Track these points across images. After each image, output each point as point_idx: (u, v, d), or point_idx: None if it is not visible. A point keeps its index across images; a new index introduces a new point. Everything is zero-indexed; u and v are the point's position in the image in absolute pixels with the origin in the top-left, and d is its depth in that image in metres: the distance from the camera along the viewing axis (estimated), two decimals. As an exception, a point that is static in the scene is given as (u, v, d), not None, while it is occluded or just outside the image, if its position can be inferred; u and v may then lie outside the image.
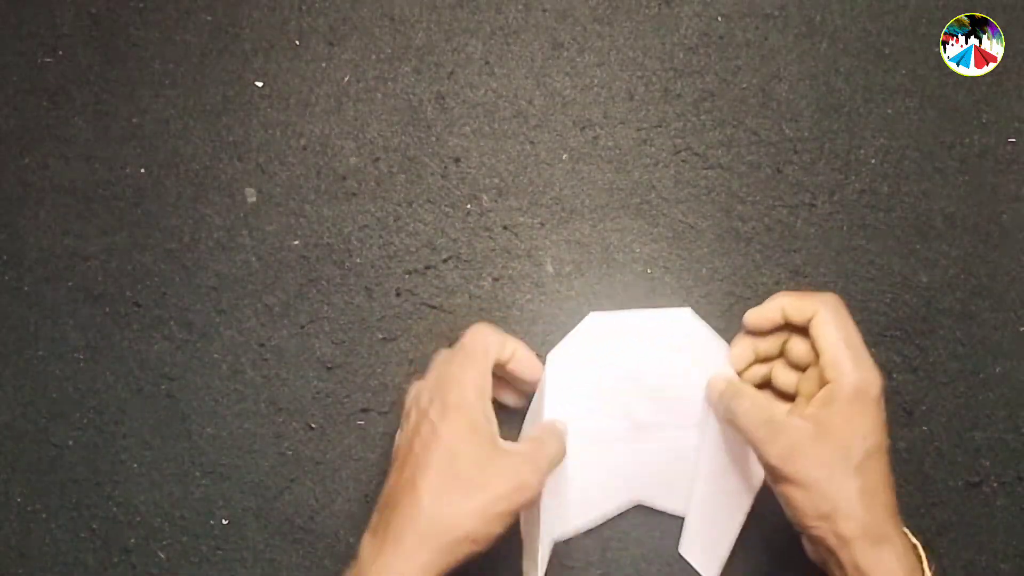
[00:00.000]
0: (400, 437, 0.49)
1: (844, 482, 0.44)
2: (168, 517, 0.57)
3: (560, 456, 0.49)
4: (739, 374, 0.52)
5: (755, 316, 0.51)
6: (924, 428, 0.56)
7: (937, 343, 0.57)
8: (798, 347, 0.50)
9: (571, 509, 0.54)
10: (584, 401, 0.53)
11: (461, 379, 0.47)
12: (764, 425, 0.46)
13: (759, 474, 0.50)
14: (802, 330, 0.50)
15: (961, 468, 0.57)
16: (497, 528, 0.44)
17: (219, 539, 0.57)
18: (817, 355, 0.48)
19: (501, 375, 0.52)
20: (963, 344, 0.57)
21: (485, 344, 0.49)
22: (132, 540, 0.57)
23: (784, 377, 0.51)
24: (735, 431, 0.49)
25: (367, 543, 0.45)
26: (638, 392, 0.53)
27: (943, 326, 0.57)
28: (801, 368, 0.50)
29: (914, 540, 0.45)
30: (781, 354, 0.51)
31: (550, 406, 0.52)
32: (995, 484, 0.56)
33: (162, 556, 0.57)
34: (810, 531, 0.45)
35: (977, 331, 0.56)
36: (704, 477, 0.53)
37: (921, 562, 0.45)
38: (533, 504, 0.47)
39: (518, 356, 0.51)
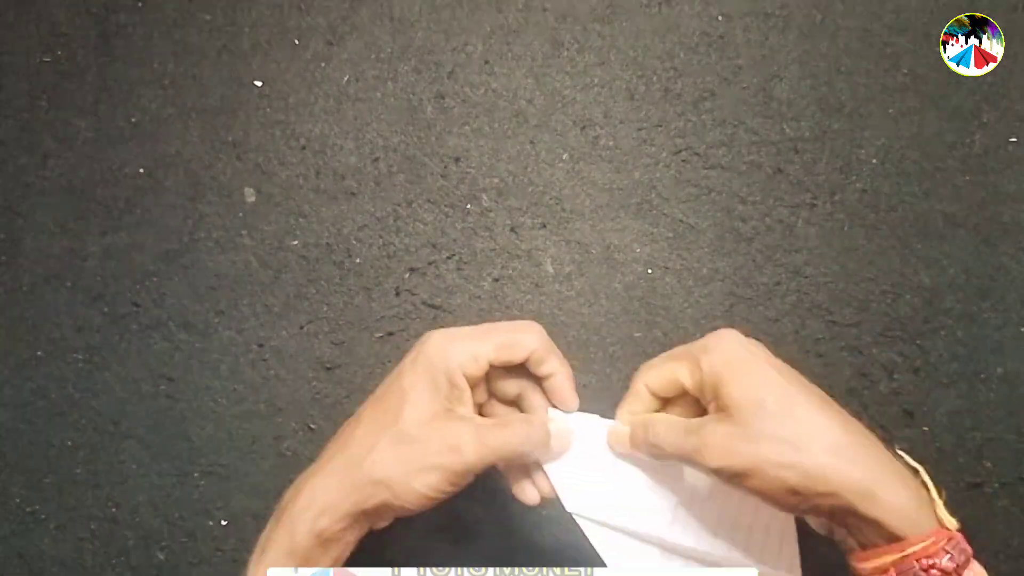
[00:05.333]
0: None
1: (812, 436, 0.40)
2: (167, 517, 0.57)
3: (523, 443, 0.45)
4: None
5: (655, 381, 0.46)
6: (924, 428, 0.56)
7: (937, 343, 0.57)
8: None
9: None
10: (599, 500, 0.47)
11: (452, 342, 0.44)
12: (689, 435, 0.42)
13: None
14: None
15: (962, 468, 0.56)
16: (419, 485, 0.42)
17: (219, 539, 0.57)
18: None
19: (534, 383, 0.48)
20: (963, 344, 0.56)
21: (522, 328, 0.46)
22: (131, 540, 0.57)
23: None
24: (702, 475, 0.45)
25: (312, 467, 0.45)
26: (659, 509, 0.47)
27: (943, 326, 0.56)
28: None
29: (912, 462, 0.43)
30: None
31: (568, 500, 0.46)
32: (996, 485, 0.56)
33: (161, 557, 0.57)
34: (815, 507, 0.41)
35: (977, 331, 0.56)
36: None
37: (928, 490, 0.42)
38: (466, 476, 0.43)
39: (558, 377, 0.46)
